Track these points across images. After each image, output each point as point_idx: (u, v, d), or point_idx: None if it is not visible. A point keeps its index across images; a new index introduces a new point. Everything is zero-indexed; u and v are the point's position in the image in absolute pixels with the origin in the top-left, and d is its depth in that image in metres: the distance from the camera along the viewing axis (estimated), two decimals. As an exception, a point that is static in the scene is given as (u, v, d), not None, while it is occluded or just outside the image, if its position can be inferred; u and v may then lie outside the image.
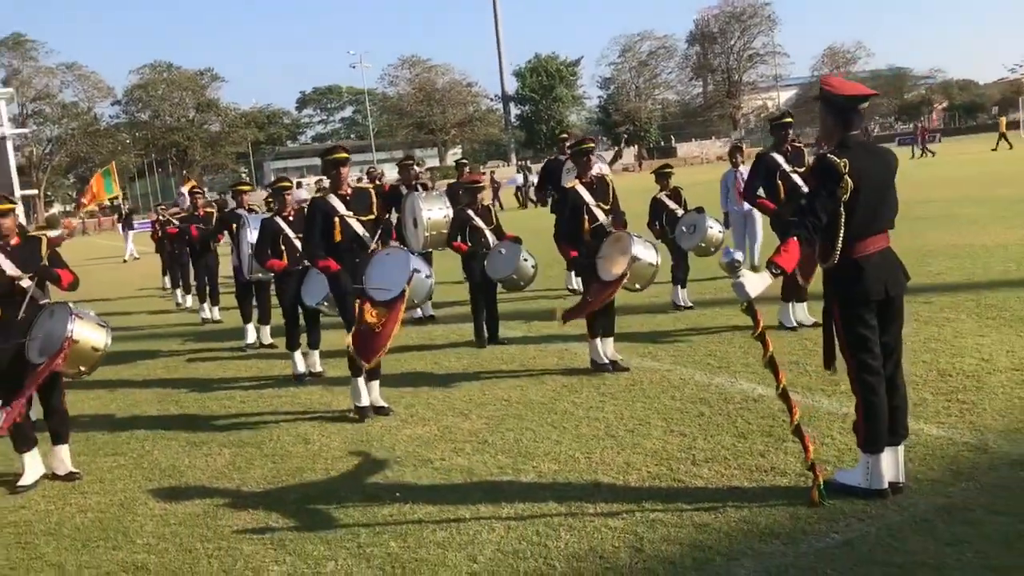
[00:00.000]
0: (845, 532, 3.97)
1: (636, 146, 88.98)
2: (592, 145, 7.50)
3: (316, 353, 8.35)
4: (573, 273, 11.20)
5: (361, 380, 6.62)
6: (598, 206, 7.22)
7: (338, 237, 6.53)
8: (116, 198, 30.76)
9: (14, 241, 5.69)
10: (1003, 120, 49.60)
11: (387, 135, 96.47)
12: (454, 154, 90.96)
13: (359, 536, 4.44)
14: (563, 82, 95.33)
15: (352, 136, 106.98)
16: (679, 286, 9.78)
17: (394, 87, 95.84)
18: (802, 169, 8.00)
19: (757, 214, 10.94)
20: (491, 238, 8.78)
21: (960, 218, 15.29)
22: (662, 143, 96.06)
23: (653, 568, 3.81)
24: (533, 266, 8.57)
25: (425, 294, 6.74)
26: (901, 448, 4.35)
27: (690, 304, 9.77)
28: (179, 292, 15.00)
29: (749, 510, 4.29)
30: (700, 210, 9.57)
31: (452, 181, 13.33)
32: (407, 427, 6.27)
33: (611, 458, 5.22)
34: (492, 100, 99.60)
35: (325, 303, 7.63)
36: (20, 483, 5.68)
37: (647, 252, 7.04)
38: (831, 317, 4.33)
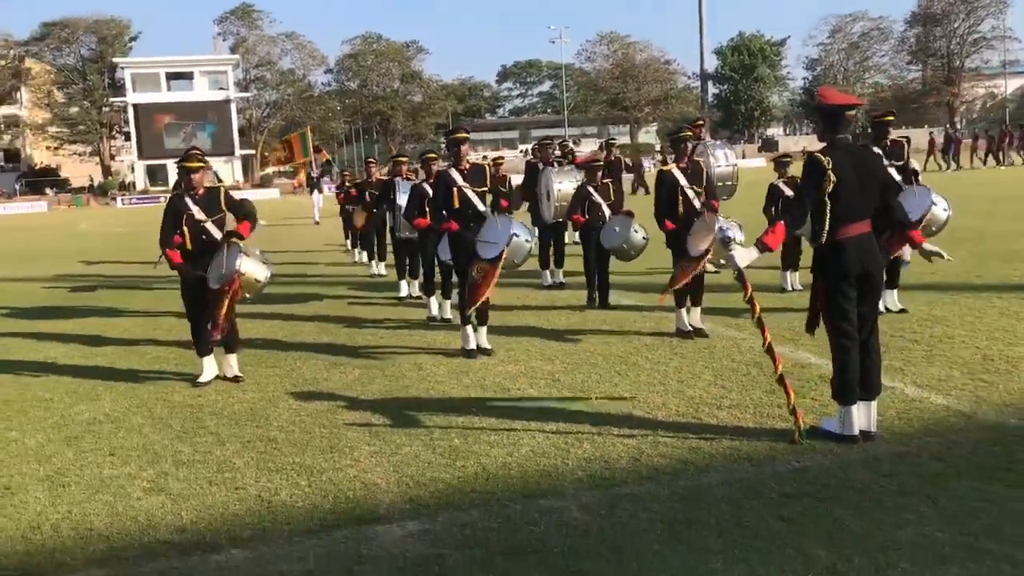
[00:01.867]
0: (805, 462, 4.87)
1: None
2: (689, 133, 8.39)
3: (448, 302, 9.75)
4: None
5: (469, 328, 7.93)
6: (691, 188, 8.13)
7: (456, 204, 7.82)
8: (310, 163, 33.26)
9: (200, 192, 7.33)
10: None
11: (581, 110, 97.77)
12: (647, 132, 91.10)
13: (432, 433, 5.74)
14: (766, 61, 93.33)
15: (548, 111, 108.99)
16: (789, 270, 10.44)
17: (591, 63, 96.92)
18: (900, 163, 8.55)
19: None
20: (607, 213, 9.82)
21: None
22: (869, 130, 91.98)
23: (640, 471, 4.87)
24: (644, 237, 9.49)
25: (524, 255, 7.89)
26: (874, 403, 5.16)
27: (799, 287, 10.42)
28: (356, 251, 16.90)
29: (739, 442, 5.25)
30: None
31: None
32: (501, 365, 7.51)
33: (652, 399, 6.25)
34: (690, 78, 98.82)
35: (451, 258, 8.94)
36: (199, 380, 7.37)
37: (733, 230, 7.89)
38: (816, 289, 5.18)
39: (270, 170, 73.72)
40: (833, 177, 4.91)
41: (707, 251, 7.73)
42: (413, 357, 8.01)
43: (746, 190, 12.61)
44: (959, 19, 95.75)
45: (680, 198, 8.11)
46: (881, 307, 8.62)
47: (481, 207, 7.89)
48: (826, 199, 4.95)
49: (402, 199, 10.75)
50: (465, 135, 7.95)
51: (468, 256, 7.74)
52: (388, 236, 12.99)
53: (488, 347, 7.98)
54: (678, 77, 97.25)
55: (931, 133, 52.42)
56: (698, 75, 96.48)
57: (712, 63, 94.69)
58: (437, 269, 9.77)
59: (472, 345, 7.92)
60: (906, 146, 8.78)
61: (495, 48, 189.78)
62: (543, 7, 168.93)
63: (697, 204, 8.12)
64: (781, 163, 10.58)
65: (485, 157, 13.60)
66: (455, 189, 7.81)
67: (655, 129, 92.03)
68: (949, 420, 5.42)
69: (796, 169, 10.81)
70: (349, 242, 18.49)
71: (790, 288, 10.40)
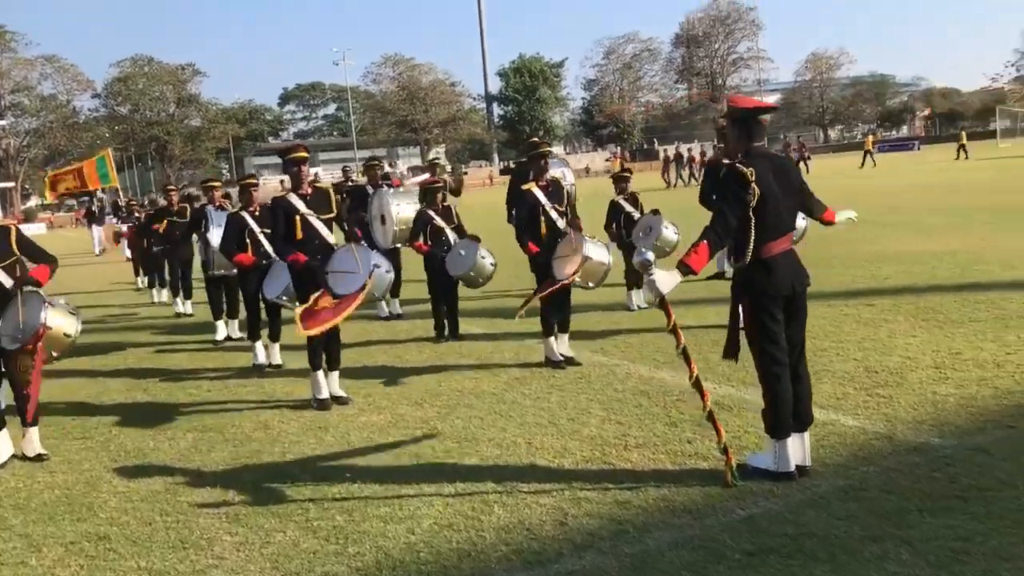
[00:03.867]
0: (750, 508, 4.34)
1: (620, 148, 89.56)
2: (548, 149, 7.85)
3: (276, 346, 8.68)
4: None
5: (320, 374, 6.95)
6: (554, 208, 7.58)
7: (299, 235, 6.84)
8: (106, 189, 30.21)
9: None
10: (963, 134, 51.08)
11: (369, 133, 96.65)
12: (436, 153, 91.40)
13: (308, 511, 4.78)
14: (547, 83, 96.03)
15: (334, 133, 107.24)
16: (634, 289, 10.14)
17: (377, 85, 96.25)
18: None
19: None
20: (452, 237, 9.11)
21: (918, 226, 15.74)
22: (644, 145, 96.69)
23: (573, 538, 4.17)
24: (492, 264, 8.91)
25: (384, 288, 7.05)
26: (807, 434, 4.74)
27: (644, 305, 10.14)
28: (155, 290, 15.14)
29: (668, 490, 4.66)
30: (656, 212, 9.94)
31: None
32: (363, 415, 6.61)
33: (550, 443, 5.58)
34: (475, 100, 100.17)
35: (284, 297, 7.91)
36: (-11, 463, 5.98)
37: (599, 252, 7.41)
38: (738, 312, 4.70)
39: (33, 202, 67.53)
40: (756, 190, 4.45)
41: (574, 273, 7.20)
42: (254, 414, 6.93)
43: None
44: (719, 41, 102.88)
45: (542, 218, 7.54)
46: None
47: (329, 237, 6.96)
48: (751, 214, 4.48)
49: (216, 232, 9.57)
50: (305, 153, 6.98)
51: (310, 289, 6.79)
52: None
53: (343, 394, 7.03)
54: (464, 99, 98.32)
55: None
56: (483, 97, 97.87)
57: (496, 85, 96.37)
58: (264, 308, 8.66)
59: (325, 394, 6.95)
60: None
61: (276, 71, 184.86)
62: (325, 29, 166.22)
63: (560, 224, 7.58)
64: (621, 179, 10.28)
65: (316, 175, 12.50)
66: (297, 217, 6.83)
67: (444, 149, 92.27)
68: (872, 444, 5.09)
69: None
70: (141, 279, 16.71)
71: (635, 307, 10.09)
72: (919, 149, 72.38)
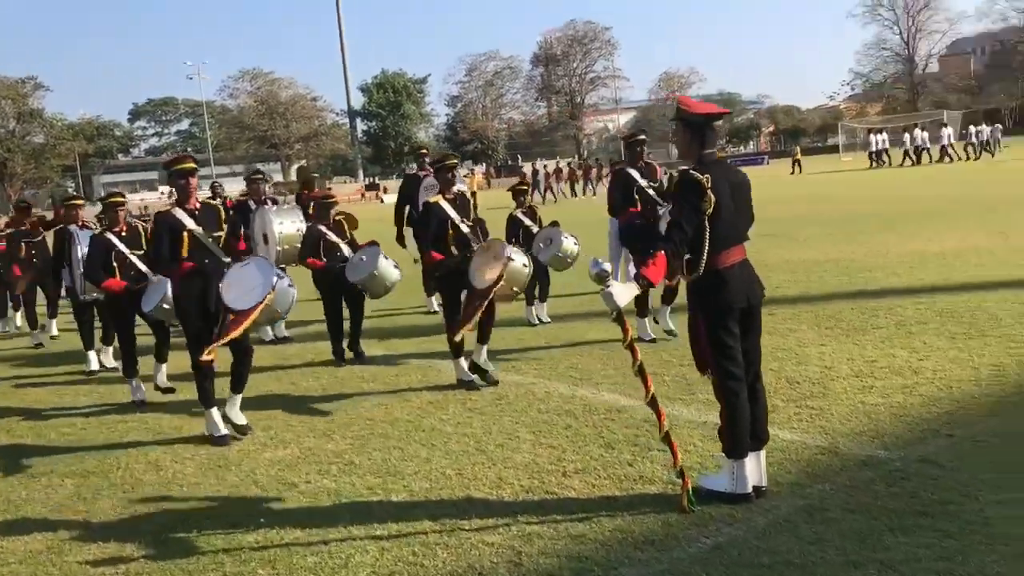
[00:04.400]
0: (715, 536, 4.07)
1: (476, 166, 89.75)
2: (455, 161, 7.47)
3: (163, 368, 7.94)
4: (434, 298, 11.14)
5: (215, 411, 6.33)
6: (463, 221, 7.21)
7: (185, 253, 6.22)
8: None
9: None
10: (798, 149, 54.90)
11: (227, 149, 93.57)
12: (299, 168, 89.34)
13: (224, 566, 4.21)
14: (410, 99, 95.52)
15: (188, 149, 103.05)
16: (536, 303, 9.87)
17: (234, 99, 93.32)
18: (655, 184, 8.29)
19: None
20: (347, 252, 8.59)
21: (793, 236, 16.15)
22: (509, 162, 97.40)
23: (533, 582, 3.80)
24: (396, 266, 8.43)
25: (289, 304, 6.49)
26: (763, 453, 4.52)
27: (547, 319, 9.89)
28: (17, 315, 13.64)
29: (622, 519, 4.35)
30: (555, 224, 9.72)
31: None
32: (267, 450, 6.03)
33: (483, 473, 5.18)
34: (338, 115, 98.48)
35: (166, 305, 7.15)
36: None
37: (519, 255, 7.11)
38: (697, 326, 4.46)
39: None
40: (712, 197, 4.21)
41: (499, 278, 6.83)
42: (141, 453, 6.23)
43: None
44: (577, 60, 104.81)
45: (451, 232, 7.15)
46: (649, 333, 8.31)
47: (222, 255, 6.35)
48: (705, 223, 4.24)
49: (82, 253, 8.72)
50: (193, 164, 6.35)
51: (205, 312, 6.18)
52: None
53: (244, 422, 6.44)
54: (326, 114, 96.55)
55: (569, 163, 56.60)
56: (346, 112, 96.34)
57: (359, 100, 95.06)
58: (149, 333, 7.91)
59: (223, 430, 6.32)
60: (658, 168, 8.54)
61: (127, 85, 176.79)
62: (178, 43, 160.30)
63: (470, 237, 7.21)
64: (519, 192, 10.01)
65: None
66: (185, 234, 6.20)
67: (306, 165, 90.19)
68: (819, 459, 4.93)
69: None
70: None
71: (537, 321, 9.82)
72: (768, 163, 75.76)
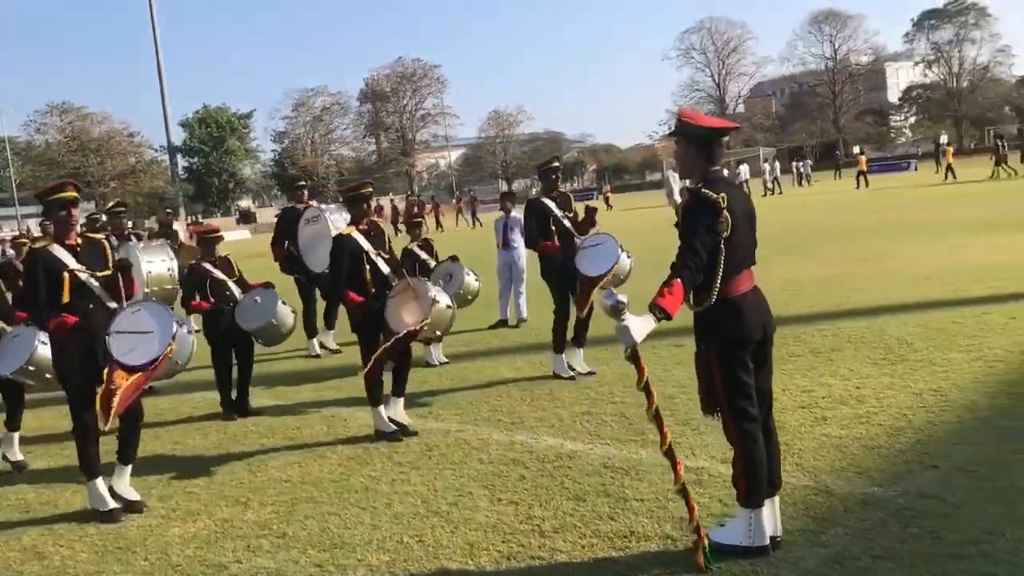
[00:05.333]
0: (748, 599, 3.62)
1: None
2: (370, 190, 6.79)
3: (15, 438, 6.80)
4: (316, 341, 10.32)
5: (99, 482, 5.37)
6: (378, 255, 6.55)
7: (67, 297, 5.27)
8: None
9: None
10: (608, 187, 58.30)
11: (32, 187, 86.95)
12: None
13: None
14: (235, 134, 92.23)
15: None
16: (434, 342, 9.25)
17: (42, 135, 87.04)
18: (571, 214, 7.90)
19: (523, 261, 10.80)
20: (236, 291, 7.71)
21: (663, 264, 16.18)
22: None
23: (567, 673, 3.21)
24: (292, 311, 7.66)
25: (189, 355, 5.63)
26: (777, 499, 4.13)
27: (445, 359, 9.29)
28: None
29: (634, 585, 3.83)
30: (454, 259, 9.18)
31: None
32: (173, 524, 5.13)
33: (447, 539, 4.53)
34: (157, 151, 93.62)
35: (31, 367, 6.13)
36: None
37: (442, 295, 6.51)
38: (706, 362, 4.01)
39: None
40: (729, 218, 3.81)
41: (423, 321, 6.21)
42: (14, 537, 5.17)
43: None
44: (406, 97, 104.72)
45: (367, 267, 6.47)
46: (569, 371, 7.85)
47: (108, 299, 5.42)
48: (721, 246, 3.82)
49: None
50: (75, 193, 5.41)
51: (91, 366, 5.24)
52: None
53: (137, 498, 5.49)
54: (144, 150, 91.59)
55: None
56: (166, 148, 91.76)
57: (180, 136, 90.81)
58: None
59: (110, 503, 5.36)
60: (571, 197, 8.16)
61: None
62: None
63: (386, 271, 6.56)
64: (414, 224, 9.41)
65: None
66: (66, 274, 5.24)
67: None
68: (816, 500, 4.58)
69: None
70: None
71: (436, 362, 9.20)
72: (598, 198, 78.02)
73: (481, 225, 41.46)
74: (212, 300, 7.59)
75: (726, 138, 4.05)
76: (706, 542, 3.92)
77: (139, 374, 5.07)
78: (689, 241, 3.78)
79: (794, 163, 55.09)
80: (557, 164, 7.97)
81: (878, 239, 16.76)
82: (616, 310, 3.59)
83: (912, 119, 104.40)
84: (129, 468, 5.54)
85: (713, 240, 3.80)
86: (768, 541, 3.98)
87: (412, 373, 8.46)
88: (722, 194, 3.82)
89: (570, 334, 7.92)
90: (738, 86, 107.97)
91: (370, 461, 6.01)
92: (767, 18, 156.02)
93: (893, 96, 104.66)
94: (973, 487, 4.50)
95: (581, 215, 7.92)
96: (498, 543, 4.41)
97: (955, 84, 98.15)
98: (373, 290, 6.42)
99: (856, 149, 55.81)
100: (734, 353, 3.93)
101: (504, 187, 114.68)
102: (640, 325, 3.61)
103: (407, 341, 6.36)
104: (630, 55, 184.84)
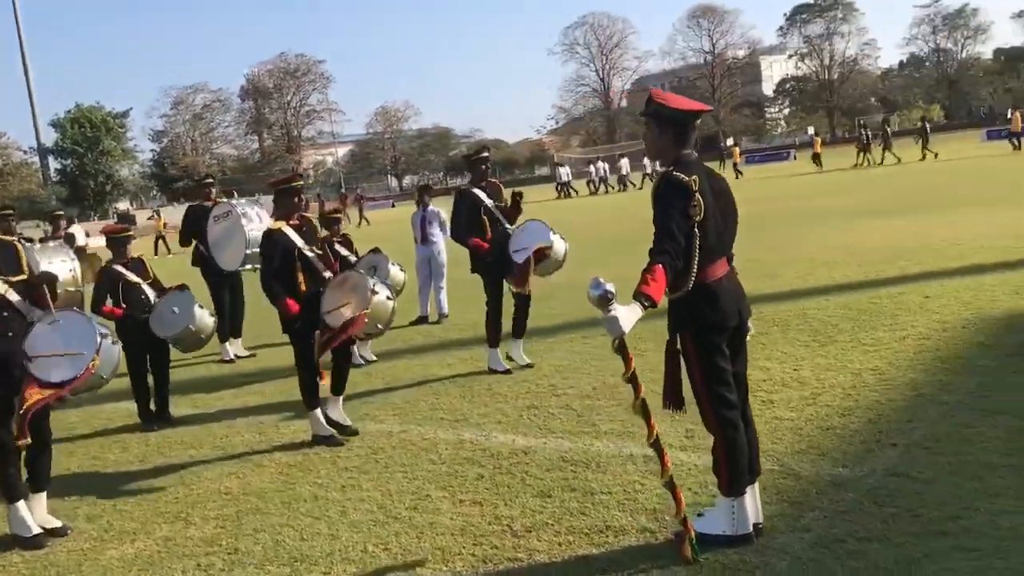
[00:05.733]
0: (742, 589, 3.54)
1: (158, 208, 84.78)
2: (302, 182, 6.46)
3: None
4: (229, 344, 9.87)
5: (21, 504, 4.92)
6: (311, 250, 6.25)
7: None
8: None
9: None
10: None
11: None
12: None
13: None
14: (110, 134, 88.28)
15: None
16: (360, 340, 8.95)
17: None
18: (502, 204, 7.74)
19: (443, 255, 10.55)
20: (151, 294, 7.25)
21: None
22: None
23: None
24: (211, 314, 7.27)
25: (114, 367, 5.23)
26: (757, 486, 4.07)
27: (373, 357, 9.00)
28: None
29: (623, 580, 3.71)
30: (377, 250, 8.93)
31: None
32: (109, 547, 4.74)
33: (414, 545, 4.32)
34: (26, 153, 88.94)
35: None
36: None
37: (381, 287, 6.25)
38: (678, 351, 3.92)
39: None
40: (701, 202, 3.72)
41: (362, 316, 5.94)
42: (-76, 572, 4.69)
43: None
44: (290, 93, 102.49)
45: (299, 263, 6.15)
46: (502, 364, 7.69)
47: (24, 308, 4.97)
48: (695, 230, 3.73)
49: None
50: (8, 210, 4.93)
51: (5, 380, 4.80)
52: None
53: (58, 524, 5.06)
54: (12, 152, 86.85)
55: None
56: (35, 149, 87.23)
57: (51, 136, 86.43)
58: None
59: (34, 528, 4.92)
60: (502, 187, 8.00)
61: None
62: None
63: (320, 268, 6.26)
64: (333, 220, 9.07)
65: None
66: (-24, 280, 4.78)
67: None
68: (785, 484, 4.55)
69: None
70: None
71: (363, 360, 8.87)
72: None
73: (368, 223, 40.49)
74: (124, 305, 7.10)
75: (698, 120, 3.94)
76: (693, 533, 3.82)
77: (53, 390, 4.67)
78: (665, 225, 3.67)
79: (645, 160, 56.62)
80: (487, 154, 7.80)
81: (782, 227, 17.18)
82: (604, 300, 3.45)
83: (787, 111, 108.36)
84: (44, 495, 5.10)
85: (687, 224, 3.70)
86: (751, 529, 3.92)
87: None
88: (694, 176, 3.73)
89: (507, 327, 7.78)
90: (622, 80, 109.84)
91: (313, 468, 5.71)
92: (648, 14, 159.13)
93: (769, 88, 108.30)
94: (937, 463, 4.55)
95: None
96: (470, 546, 4.22)
97: (827, 76, 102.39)
98: (304, 288, 6.11)
99: (730, 141, 57.52)
100: (711, 339, 3.85)
101: (394, 183, 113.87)
102: (627, 315, 3.48)
103: (346, 335, 6.08)
104: (517, 50, 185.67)
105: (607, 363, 7.56)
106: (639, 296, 3.51)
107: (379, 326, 6.26)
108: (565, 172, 49.51)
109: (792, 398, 5.97)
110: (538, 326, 8.92)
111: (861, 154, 38.50)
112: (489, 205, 7.60)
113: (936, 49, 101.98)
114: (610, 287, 3.46)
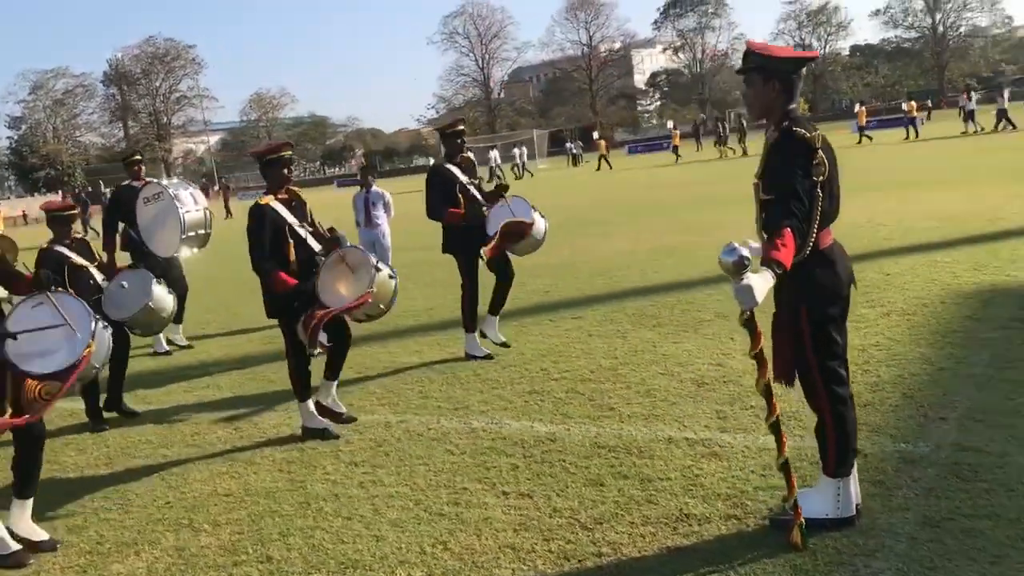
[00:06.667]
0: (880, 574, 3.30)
1: (60, 192, 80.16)
2: (290, 152, 5.85)
3: None
4: (163, 336, 9.06)
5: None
6: (302, 226, 5.70)
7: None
8: None
9: None
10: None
11: None
12: None
13: None
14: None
15: None
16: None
17: None
18: (476, 180, 7.33)
19: (388, 239, 9.98)
20: (99, 278, 6.52)
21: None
22: (90, 188, 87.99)
23: None
24: (171, 292, 6.59)
25: (105, 355, 4.59)
26: (855, 465, 3.84)
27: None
28: None
29: (738, 573, 3.41)
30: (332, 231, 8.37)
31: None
32: (112, 561, 4.14)
33: (478, 544, 3.90)
34: None
35: None
36: None
37: (384, 265, 5.76)
38: (793, 323, 3.63)
39: None
40: (825, 160, 3.45)
41: (362, 297, 5.45)
42: None
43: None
44: (159, 79, 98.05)
45: (291, 240, 5.59)
46: (481, 349, 7.29)
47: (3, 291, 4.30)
48: (818, 191, 3.45)
49: None
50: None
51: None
52: None
53: (45, 537, 4.40)
54: None
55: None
56: None
57: None
58: None
59: (13, 544, 4.25)
60: (475, 163, 7.57)
61: None
62: None
63: (313, 244, 5.72)
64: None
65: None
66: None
67: None
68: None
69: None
70: None
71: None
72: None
73: (231, 216, 37.90)
74: (71, 291, 6.34)
75: (804, 71, 3.65)
76: (802, 519, 3.56)
77: (58, 383, 4.04)
78: (790, 185, 3.37)
79: (567, 144, 57.67)
80: (462, 127, 7.33)
81: (705, 210, 17.30)
82: (740, 266, 3.13)
83: (659, 103, 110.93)
84: (30, 503, 4.44)
85: (811, 184, 3.42)
86: (855, 511, 3.69)
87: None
88: (817, 132, 3.45)
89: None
90: (502, 70, 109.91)
91: (316, 464, 5.19)
92: (528, 4, 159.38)
93: (641, 81, 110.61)
94: (1000, 436, 4.43)
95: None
96: (542, 543, 3.85)
97: (699, 69, 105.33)
98: (296, 268, 5.57)
99: (595, 134, 58.77)
100: (827, 310, 3.58)
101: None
102: (761, 284, 3.17)
103: (348, 315, 5.59)
104: (396, 39, 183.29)
105: (591, 345, 7.29)
106: (770, 263, 3.21)
107: (381, 306, 5.76)
108: (493, 157, 48.08)
109: (807, 375, 5.80)
110: (517, 306, 8.59)
111: (718, 146, 40.81)
112: (464, 181, 7.17)
113: (801, 44, 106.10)
114: (746, 252, 3.14)
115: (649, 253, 12.29)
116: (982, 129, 33.62)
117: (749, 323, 3.30)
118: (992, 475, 4.00)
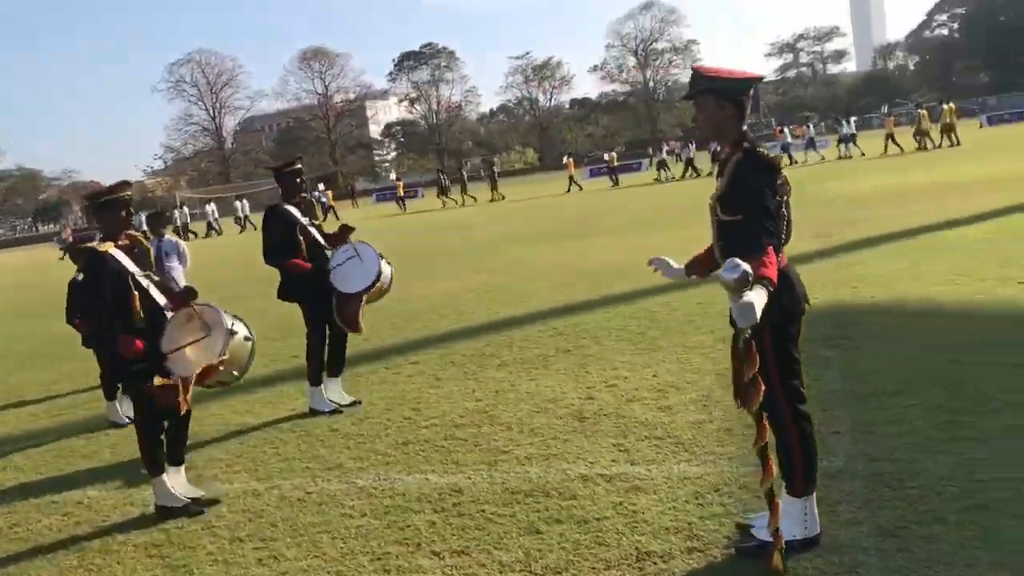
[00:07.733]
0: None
1: None
2: (130, 192, 5.08)
3: None
4: (119, 403, 7.55)
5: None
6: (146, 276, 4.98)
7: None
8: None
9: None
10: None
11: None
12: None
13: None
14: None
15: None
16: (115, 399, 7.40)
17: None
18: (317, 222, 6.84)
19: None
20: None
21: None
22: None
23: None
24: None
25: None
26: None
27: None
28: None
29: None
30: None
31: None
32: None
33: (437, 613, 3.50)
34: None
35: None
36: None
37: (240, 325, 5.11)
38: (759, 343, 3.56)
39: None
40: (787, 180, 3.46)
41: (216, 364, 4.85)
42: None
43: None
44: None
45: (135, 293, 4.86)
46: (327, 403, 6.74)
47: None
48: (784, 210, 3.45)
49: None
50: None
51: None
52: None
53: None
54: None
55: None
56: None
57: None
58: None
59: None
60: (314, 204, 7.07)
61: None
62: None
63: (158, 297, 5.01)
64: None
65: None
66: None
67: None
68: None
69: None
70: None
71: (125, 421, 7.37)
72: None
73: None
74: None
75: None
76: (783, 544, 3.49)
77: None
78: (763, 204, 3.34)
79: (315, 193, 56.96)
80: (299, 165, 6.80)
81: (488, 254, 17.42)
82: (743, 283, 3.03)
83: (394, 152, 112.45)
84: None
85: (776, 204, 3.41)
86: (819, 528, 3.69)
87: (115, 436, 6.81)
88: (775, 156, 3.46)
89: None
90: (234, 119, 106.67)
91: (194, 543, 4.49)
92: (255, 53, 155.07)
93: (376, 132, 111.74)
94: (898, 444, 4.63)
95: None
96: (514, 598, 3.51)
97: (435, 120, 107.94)
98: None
99: (321, 185, 58.60)
100: (788, 329, 3.57)
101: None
102: (760, 301, 3.10)
103: (195, 383, 4.91)
104: (119, 88, 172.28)
105: (445, 389, 7.00)
106: (763, 280, 3.16)
107: (235, 373, 5.12)
108: (211, 210, 46.46)
109: (685, 401, 5.86)
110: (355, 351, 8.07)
111: (442, 197, 43.27)
112: (304, 223, 6.66)
113: (528, 97, 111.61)
114: (747, 267, 3.05)
115: (444, 298, 12.11)
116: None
117: (747, 343, 3.21)
118: (916, 481, 4.16)
